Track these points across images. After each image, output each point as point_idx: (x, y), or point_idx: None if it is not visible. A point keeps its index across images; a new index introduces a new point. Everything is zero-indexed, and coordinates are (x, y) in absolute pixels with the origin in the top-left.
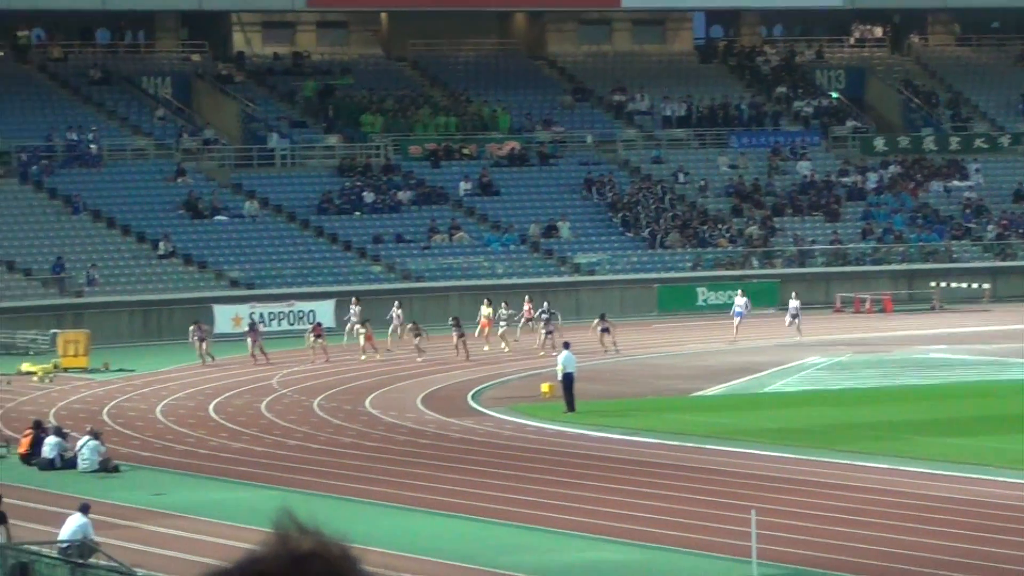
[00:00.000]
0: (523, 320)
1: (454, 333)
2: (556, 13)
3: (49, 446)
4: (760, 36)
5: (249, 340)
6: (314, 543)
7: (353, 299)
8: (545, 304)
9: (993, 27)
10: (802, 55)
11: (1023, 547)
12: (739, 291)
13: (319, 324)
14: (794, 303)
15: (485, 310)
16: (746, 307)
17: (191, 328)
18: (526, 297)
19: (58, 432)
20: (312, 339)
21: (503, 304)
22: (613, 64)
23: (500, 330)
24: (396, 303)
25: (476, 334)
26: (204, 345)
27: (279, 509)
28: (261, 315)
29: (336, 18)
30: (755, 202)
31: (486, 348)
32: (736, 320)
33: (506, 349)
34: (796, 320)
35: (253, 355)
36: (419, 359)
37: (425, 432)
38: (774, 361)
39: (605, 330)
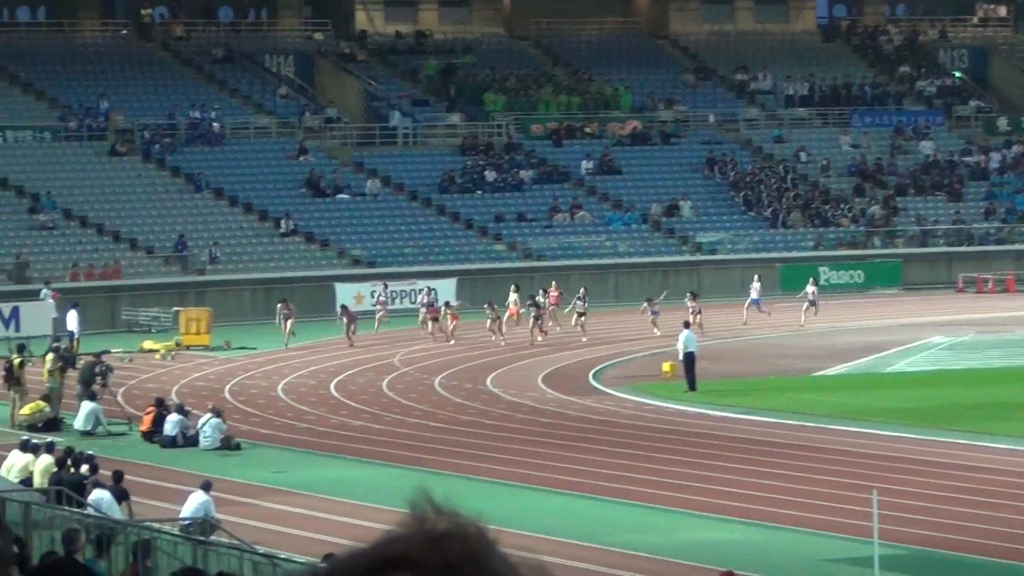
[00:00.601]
0: (550, 307)
1: (488, 317)
2: None
3: (171, 424)
4: (883, 15)
5: (345, 321)
6: (451, 524)
7: (513, 286)
8: (582, 290)
9: None
10: (925, 34)
11: None
12: (756, 276)
13: (432, 305)
14: (811, 288)
15: (513, 295)
16: (759, 293)
17: (278, 306)
18: (552, 283)
19: (180, 410)
20: (428, 319)
21: (540, 292)
22: (736, 43)
23: (531, 319)
24: (513, 286)
25: (504, 320)
26: (289, 324)
27: (416, 490)
28: (377, 293)
29: None
30: (877, 182)
31: (501, 343)
32: (751, 305)
33: (539, 339)
34: (814, 306)
35: (348, 337)
36: (502, 342)
37: (546, 411)
38: (897, 341)
39: (655, 313)
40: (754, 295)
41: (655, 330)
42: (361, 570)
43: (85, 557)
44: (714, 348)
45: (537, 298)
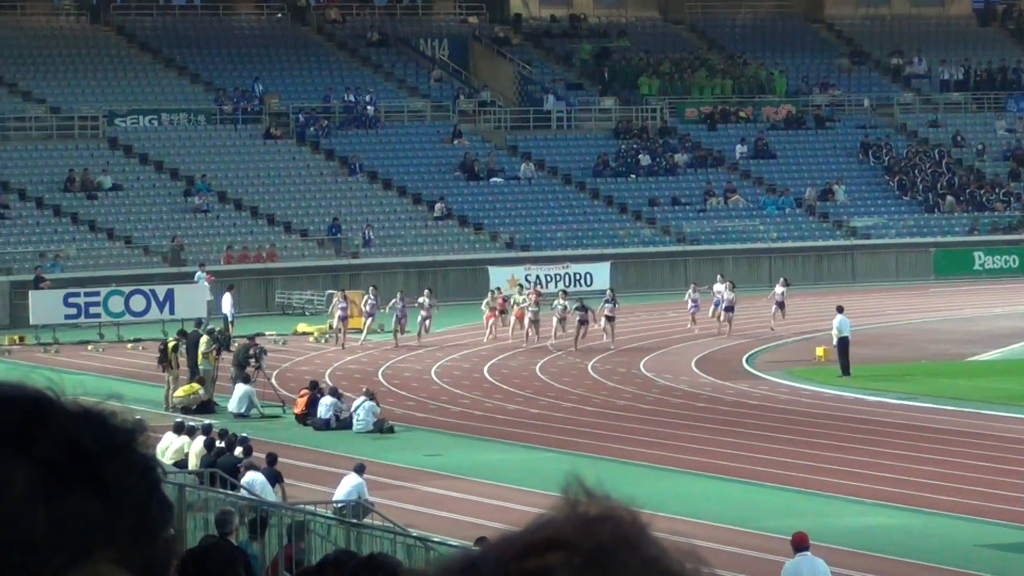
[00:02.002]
0: (530, 303)
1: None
2: None
3: (324, 406)
4: None
5: (367, 321)
6: (603, 507)
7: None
8: (609, 292)
9: None
10: None
11: None
12: (718, 276)
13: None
14: (780, 288)
15: (518, 297)
16: (723, 295)
17: (336, 299)
18: (534, 279)
19: (334, 393)
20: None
21: (560, 294)
22: (891, 27)
23: (555, 321)
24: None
25: (511, 321)
26: (336, 321)
27: (568, 474)
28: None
29: None
30: None
31: (487, 337)
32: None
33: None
34: (781, 309)
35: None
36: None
37: (700, 395)
38: None
39: (695, 305)
40: (716, 298)
41: (691, 325)
42: (514, 553)
43: (239, 540)
44: (867, 333)
45: (585, 303)
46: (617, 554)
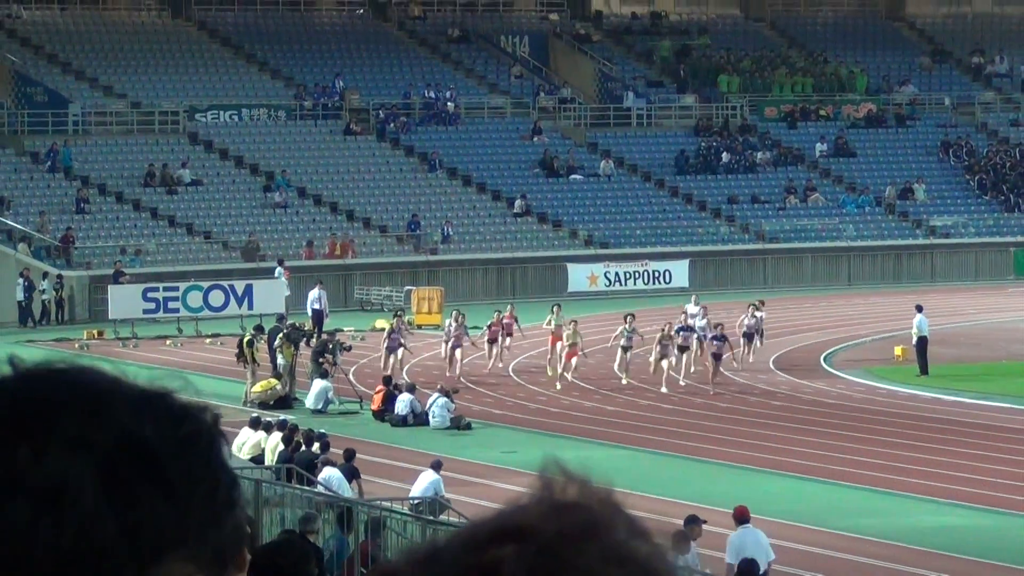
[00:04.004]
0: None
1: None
2: None
3: (402, 403)
4: None
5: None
6: (577, 492)
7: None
8: (628, 318)
9: None
10: None
11: None
12: (692, 297)
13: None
14: (757, 315)
15: (559, 322)
16: (697, 319)
17: (389, 326)
18: (509, 305)
19: (411, 389)
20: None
21: (626, 319)
22: (972, 26)
23: (619, 354)
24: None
25: (548, 360)
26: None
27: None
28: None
29: None
30: None
31: (548, 375)
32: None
33: (624, 381)
34: (750, 341)
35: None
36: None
37: (777, 393)
38: None
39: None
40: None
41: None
42: (475, 543)
43: (328, 535)
44: (946, 332)
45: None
46: (578, 542)
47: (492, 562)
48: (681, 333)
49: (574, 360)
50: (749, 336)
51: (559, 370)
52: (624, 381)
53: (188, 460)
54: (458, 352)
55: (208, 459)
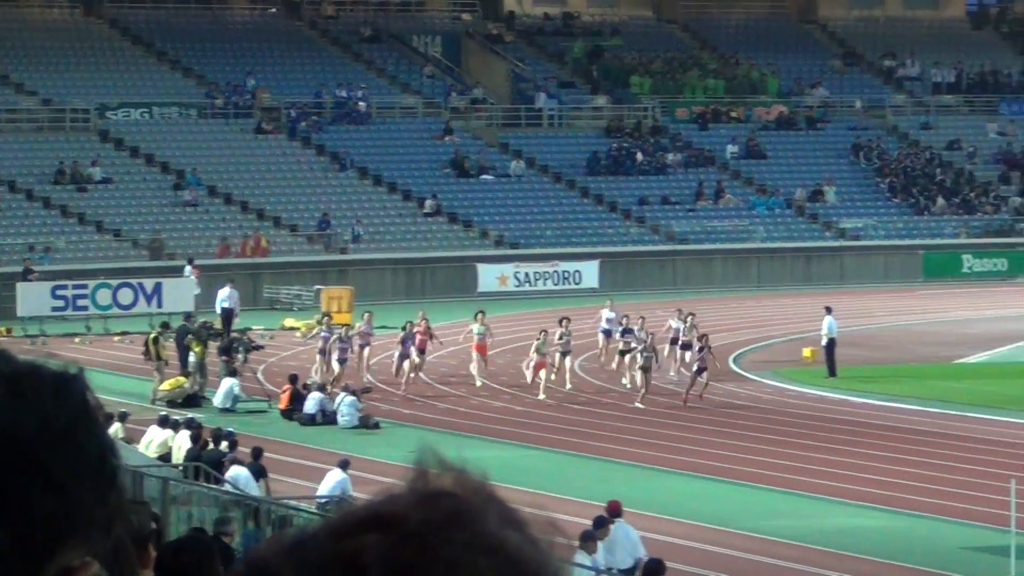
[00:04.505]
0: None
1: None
2: None
3: (312, 401)
4: None
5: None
6: (450, 481)
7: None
8: (564, 321)
9: None
10: None
11: None
12: (608, 302)
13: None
14: (678, 323)
15: (481, 331)
16: (613, 323)
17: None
18: (419, 313)
19: (320, 388)
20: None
21: (562, 322)
22: (884, 29)
23: (558, 359)
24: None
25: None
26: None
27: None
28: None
29: None
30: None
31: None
32: (601, 338)
33: (567, 387)
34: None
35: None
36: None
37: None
38: None
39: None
40: (605, 325)
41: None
42: (342, 532)
43: (244, 532)
44: (854, 335)
45: (634, 328)
46: (444, 530)
47: (355, 550)
48: (623, 337)
49: (542, 372)
50: (676, 341)
51: (530, 379)
52: (567, 387)
53: (70, 444)
54: (366, 351)
55: (90, 435)
